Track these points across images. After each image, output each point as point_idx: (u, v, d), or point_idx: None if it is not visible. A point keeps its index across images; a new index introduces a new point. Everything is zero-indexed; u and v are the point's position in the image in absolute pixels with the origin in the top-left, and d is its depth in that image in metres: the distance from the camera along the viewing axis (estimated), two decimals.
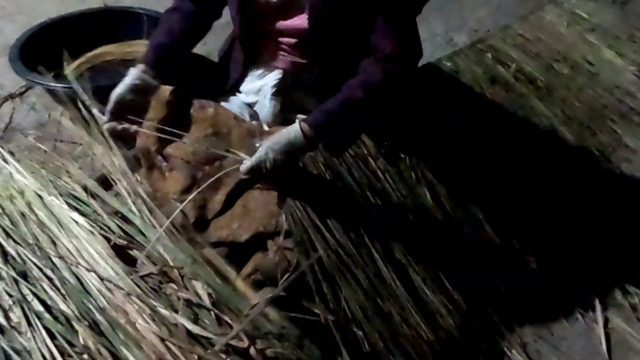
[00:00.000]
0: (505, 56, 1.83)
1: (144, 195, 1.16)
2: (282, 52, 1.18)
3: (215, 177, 1.11)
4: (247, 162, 1.03)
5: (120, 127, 1.16)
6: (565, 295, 1.35)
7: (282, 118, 1.25)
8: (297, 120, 1.04)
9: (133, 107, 1.15)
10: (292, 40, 1.14)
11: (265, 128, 1.20)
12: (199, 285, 0.98)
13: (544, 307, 1.32)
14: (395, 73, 1.05)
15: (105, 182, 1.31)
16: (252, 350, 0.87)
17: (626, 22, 2.23)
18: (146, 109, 1.18)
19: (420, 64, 1.80)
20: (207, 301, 0.95)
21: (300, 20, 1.09)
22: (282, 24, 1.12)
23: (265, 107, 1.24)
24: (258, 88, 1.25)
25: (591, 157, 1.68)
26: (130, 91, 1.14)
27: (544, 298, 1.34)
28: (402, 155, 1.29)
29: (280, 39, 1.16)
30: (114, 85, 1.68)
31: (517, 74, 1.78)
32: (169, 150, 1.21)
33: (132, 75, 1.15)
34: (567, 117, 1.73)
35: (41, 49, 1.84)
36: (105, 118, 1.16)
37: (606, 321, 1.30)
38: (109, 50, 2.01)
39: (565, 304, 1.34)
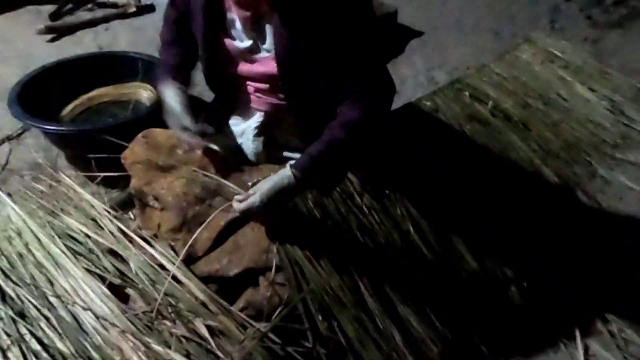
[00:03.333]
0: (482, 94, 1.91)
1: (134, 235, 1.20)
2: (258, 95, 1.23)
3: (210, 218, 1.16)
4: (241, 205, 1.08)
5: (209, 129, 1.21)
6: (547, 324, 1.38)
7: (267, 155, 1.31)
8: (287, 166, 1.09)
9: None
10: (265, 85, 1.19)
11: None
12: (195, 320, 1.02)
13: (526, 336, 1.36)
14: (372, 112, 1.10)
15: (128, 205, 1.36)
16: None
17: (598, 59, 2.34)
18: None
19: (402, 102, 1.90)
20: (205, 332, 0.98)
21: (270, 67, 1.13)
22: (251, 70, 1.17)
23: (249, 147, 1.31)
24: (242, 130, 1.31)
25: (567, 188, 1.74)
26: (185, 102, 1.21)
27: (526, 327, 1.38)
28: (387, 192, 1.35)
29: (253, 84, 1.21)
30: (108, 127, 1.75)
31: (494, 111, 1.85)
32: (161, 190, 1.26)
33: (171, 93, 1.22)
34: (543, 150, 1.80)
35: (39, 92, 1.91)
36: (191, 126, 1.19)
37: (586, 349, 1.34)
38: (105, 93, 2.09)
39: (547, 332, 1.37)
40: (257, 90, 1.22)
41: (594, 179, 1.81)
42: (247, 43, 1.13)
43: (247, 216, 1.09)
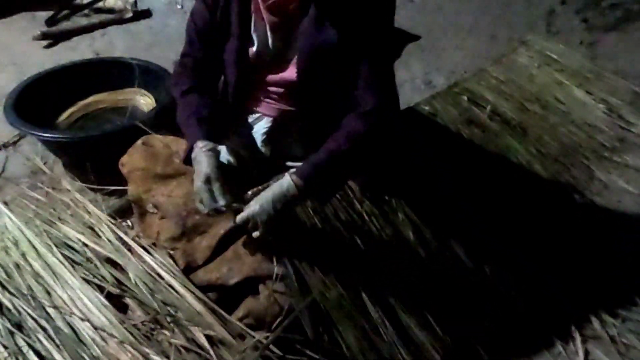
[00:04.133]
0: (480, 98, 1.91)
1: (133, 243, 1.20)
2: (270, 101, 1.24)
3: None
4: (242, 215, 1.07)
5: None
6: (547, 329, 1.38)
7: (270, 164, 1.30)
8: (287, 174, 1.09)
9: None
10: (280, 90, 1.21)
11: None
12: (194, 329, 1.01)
13: (526, 341, 1.35)
14: (376, 125, 1.13)
15: (126, 212, 1.34)
16: None
17: (594, 62, 2.35)
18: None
19: (400, 106, 1.90)
20: (204, 342, 0.98)
21: (289, 73, 1.16)
22: (272, 76, 1.19)
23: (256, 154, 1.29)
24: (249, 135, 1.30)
25: (565, 191, 1.74)
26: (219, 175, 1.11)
27: (526, 332, 1.37)
28: (387, 198, 1.34)
29: (270, 88, 1.22)
30: (104, 135, 1.74)
31: (492, 115, 1.85)
32: (160, 198, 1.26)
33: (205, 159, 1.11)
34: (541, 154, 1.80)
35: (35, 99, 1.90)
36: (225, 204, 1.09)
37: (586, 353, 1.33)
38: (101, 99, 2.08)
39: (547, 337, 1.37)
40: (269, 95, 1.23)
41: (592, 182, 1.81)
42: (271, 49, 1.15)
43: (247, 225, 1.08)
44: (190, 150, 1.15)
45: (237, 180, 1.18)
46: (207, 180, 1.08)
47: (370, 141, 1.14)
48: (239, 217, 1.08)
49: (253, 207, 1.06)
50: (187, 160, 1.16)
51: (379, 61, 1.13)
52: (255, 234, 1.09)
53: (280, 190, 1.07)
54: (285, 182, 1.08)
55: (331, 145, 1.10)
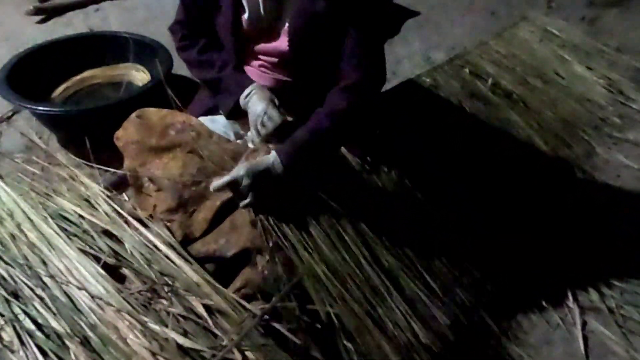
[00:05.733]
0: (482, 71, 1.90)
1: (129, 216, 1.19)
2: (264, 70, 1.23)
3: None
4: (223, 178, 1.08)
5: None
6: (545, 300, 1.39)
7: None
8: (273, 152, 1.10)
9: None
10: (274, 59, 1.20)
11: (250, 146, 1.25)
12: (191, 298, 1.00)
13: (525, 313, 1.36)
14: (358, 102, 1.12)
15: (120, 186, 1.33)
16: None
17: (595, 38, 2.33)
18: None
19: (399, 81, 1.88)
20: (202, 311, 0.98)
21: (281, 42, 1.15)
22: (264, 46, 1.18)
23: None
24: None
25: (565, 166, 1.74)
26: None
27: (525, 304, 1.38)
28: (385, 169, 1.33)
29: (263, 57, 1.21)
30: (100, 108, 1.72)
31: (493, 88, 1.85)
32: (156, 172, 1.24)
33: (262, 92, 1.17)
34: (541, 128, 1.80)
35: (28, 74, 1.87)
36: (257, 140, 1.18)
37: (584, 324, 1.34)
38: (95, 74, 2.05)
39: (545, 309, 1.37)
40: (263, 65, 1.22)
41: (592, 157, 1.81)
42: (264, 18, 1.13)
43: (231, 189, 1.09)
44: (235, 103, 1.17)
45: None
46: (272, 101, 1.13)
47: (353, 117, 1.13)
48: (218, 182, 1.09)
49: (235, 172, 1.07)
50: (232, 113, 1.21)
51: (368, 34, 1.11)
52: (243, 203, 1.09)
53: (267, 164, 1.08)
54: (271, 158, 1.08)
55: (313, 123, 1.11)
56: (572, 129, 1.86)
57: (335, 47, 1.11)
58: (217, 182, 1.10)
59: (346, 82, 1.11)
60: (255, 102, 1.15)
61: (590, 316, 1.36)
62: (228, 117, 1.23)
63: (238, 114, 1.23)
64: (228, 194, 1.15)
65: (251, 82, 1.18)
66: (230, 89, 1.19)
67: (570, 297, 1.39)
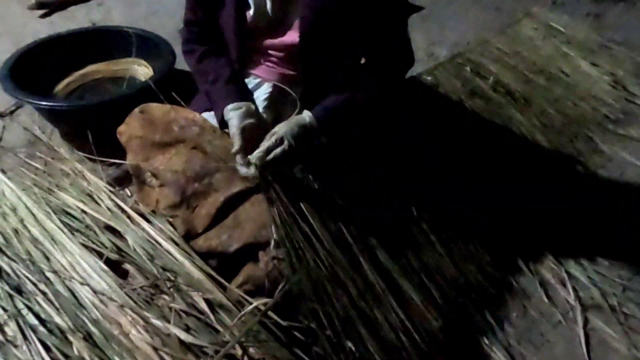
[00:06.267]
0: (483, 69, 1.89)
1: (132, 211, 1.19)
2: (270, 65, 1.23)
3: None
4: (260, 149, 1.05)
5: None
6: (546, 297, 1.38)
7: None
8: (305, 111, 1.11)
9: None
10: (280, 54, 1.19)
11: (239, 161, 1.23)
12: (193, 294, 1.01)
13: (525, 310, 1.36)
14: (394, 76, 1.17)
15: (123, 182, 1.34)
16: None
17: (600, 34, 2.31)
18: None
19: None
20: (204, 307, 0.98)
21: (290, 37, 1.14)
22: (271, 41, 1.18)
23: None
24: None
25: (568, 164, 1.73)
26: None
27: (525, 300, 1.37)
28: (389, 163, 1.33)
29: (270, 52, 1.21)
30: (103, 103, 1.72)
31: (495, 86, 1.83)
32: (159, 167, 1.24)
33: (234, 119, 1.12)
34: (544, 126, 1.78)
35: (31, 68, 1.87)
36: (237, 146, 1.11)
37: (586, 322, 1.34)
38: (98, 69, 2.04)
39: (546, 306, 1.37)
40: (269, 59, 1.21)
41: (596, 155, 1.80)
42: (270, 13, 1.13)
43: (272, 155, 1.05)
44: (222, 117, 1.15)
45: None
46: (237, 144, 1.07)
47: (384, 94, 1.17)
48: (264, 146, 1.05)
49: (275, 137, 1.06)
50: (223, 125, 1.17)
51: (394, 16, 1.14)
52: (279, 149, 1.05)
53: (302, 122, 1.09)
54: (305, 116, 1.10)
55: (347, 93, 1.12)
56: (576, 126, 1.85)
57: (346, 37, 1.13)
58: (259, 151, 1.05)
59: (378, 62, 1.14)
60: (231, 129, 1.11)
61: (592, 314, 1.35)
62: (221, 127, 1.22)
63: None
64: (232, 190, 1.15)
65: (239, 96, 1.15)
66: (218, 103, 1.17)
67: (572, 295, 1.39)
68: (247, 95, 1.18)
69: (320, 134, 1.13)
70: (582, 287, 1.41)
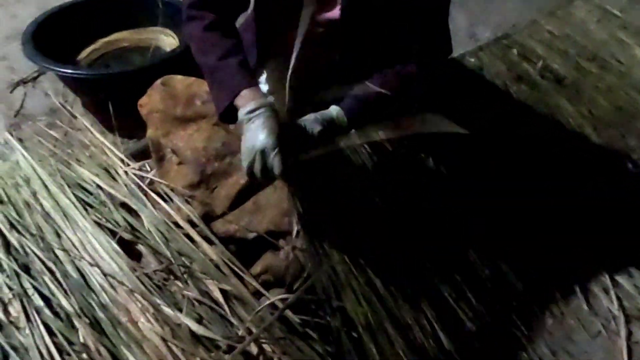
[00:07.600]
0: (531, 53, 1.77)
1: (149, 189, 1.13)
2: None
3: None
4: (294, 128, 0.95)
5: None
6: (586, 305, 1.29)
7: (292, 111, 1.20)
8: (333, 106, 1.01)
9: None
10: (320, 30, 1.09)
11: None
12: (208, 282, 0.95)
13: (563, 319, 1.27)
14: (430, 67, 1.09)
15: (144, 154, 1.29)
16: (261, 358, 0.84)
17: None
18: None
19: None
20: (219, 296, 0.92)
21: (332, 13, 1.06)
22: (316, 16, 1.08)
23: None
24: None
25: (618, 160, 1.61)
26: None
27: (564, 308, 1.28)
28: (422, 155, 1.24)
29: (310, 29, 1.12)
30: (126, 72, 1.66)
31: (543, 72, 1.72)
32: (179, 143, 1.18)
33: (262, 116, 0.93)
34: (594, 117, 1.66)
35: (54, 34, 1.82)
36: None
37: (629, 334, 1.24)
38: (123, 37, 1.98)
39: (585, 315, 1.28)
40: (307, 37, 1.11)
41: None
42: None
43: (299, 140, 0.95)
44: (230, 103, 0.95)
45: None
46: (263, 151, 0.88)
47: (420, 85, 1.09)
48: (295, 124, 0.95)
49: (307, 118, 0.96)
50: (226, 115, 0.97)
51: (435, 4, 1.06)
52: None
53: (330, 116, 0.99)
54: (334, 110, 1.00)
55: (379, 83, 1.03)
56: (628, 120, 1.71)
57: (390, 21, 1.05)
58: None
59: (416, 50, 1.07)
60: (257, 130, 0.90)
61: (637, 325, 1.26)
62: (221, 118, 1.00)
63: (233, 119, 0.98)
64: None
65: (255, 84, 0.97)
66: (227, 84, 0.96)
67: (615, 304, 1.29)
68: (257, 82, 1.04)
69: (350, 128, 1.03)
70: (626, 296, 1.32)
